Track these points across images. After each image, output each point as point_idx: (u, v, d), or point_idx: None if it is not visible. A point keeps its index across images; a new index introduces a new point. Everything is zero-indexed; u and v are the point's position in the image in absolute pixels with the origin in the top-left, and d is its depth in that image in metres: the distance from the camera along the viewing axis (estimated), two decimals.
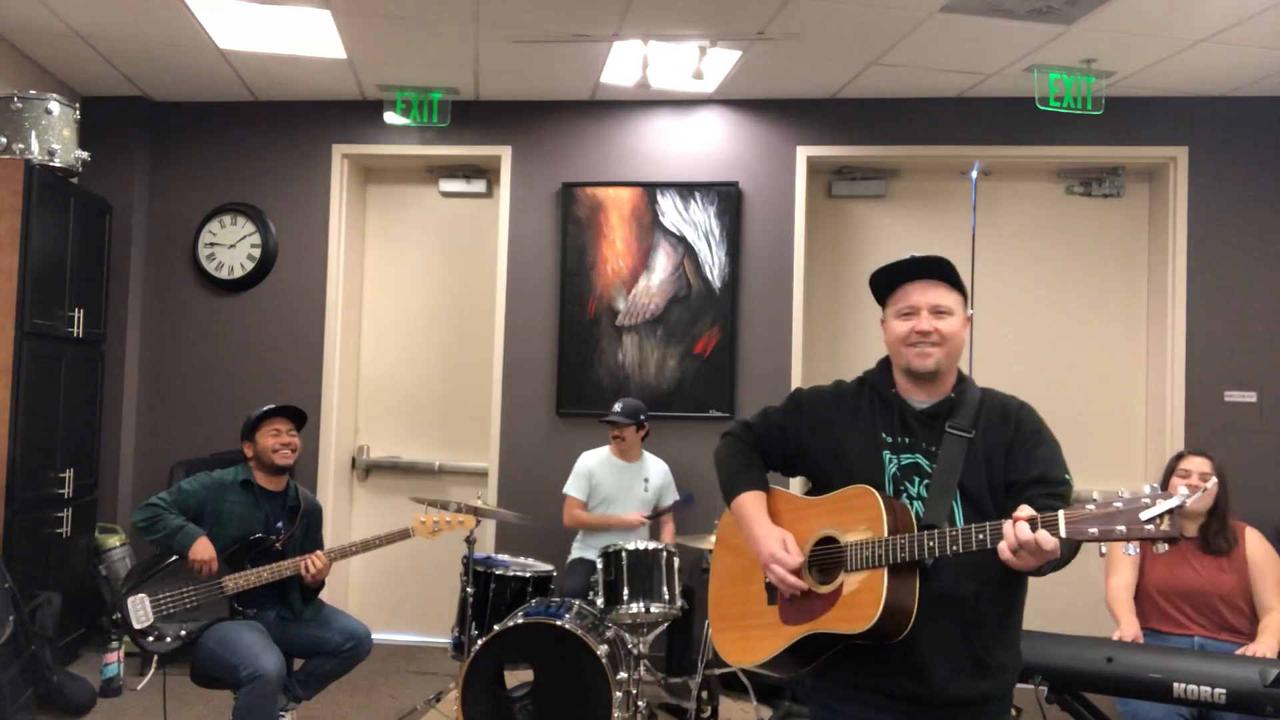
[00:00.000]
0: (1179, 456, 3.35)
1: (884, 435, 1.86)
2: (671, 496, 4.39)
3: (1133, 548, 1.50)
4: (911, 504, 1.78)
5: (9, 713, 3.53)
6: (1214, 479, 2.54)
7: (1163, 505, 1.44)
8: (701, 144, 4.89)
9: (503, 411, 4.93)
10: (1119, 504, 1.49)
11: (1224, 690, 2.14)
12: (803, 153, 4.82)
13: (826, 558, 1.79)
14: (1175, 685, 2.18)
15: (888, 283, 1.91)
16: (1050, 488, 1.74)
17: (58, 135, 4.27)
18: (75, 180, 4.50)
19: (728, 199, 4.80)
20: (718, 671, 3.84)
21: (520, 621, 3.27)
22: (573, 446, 4.56)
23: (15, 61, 4.53)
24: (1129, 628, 3.07)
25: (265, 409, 3.40)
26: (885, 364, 1.96)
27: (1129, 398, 4.84)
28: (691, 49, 4.19)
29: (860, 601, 1.69)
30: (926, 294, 1.85)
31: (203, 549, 3.13)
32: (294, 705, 3.35)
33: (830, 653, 1.79)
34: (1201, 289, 4.58)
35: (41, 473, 4.27)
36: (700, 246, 4.81)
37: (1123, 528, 1.47)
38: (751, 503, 1.93)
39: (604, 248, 4.86)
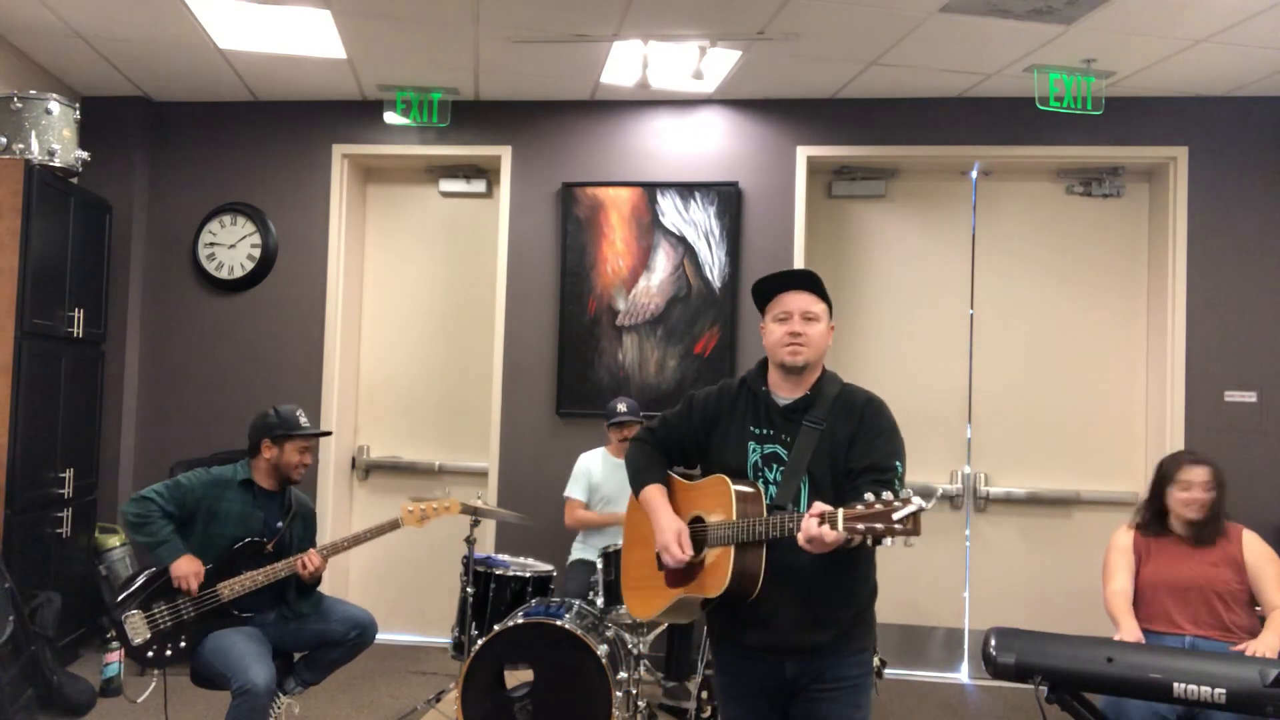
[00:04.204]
0: (1178, 464, 3.26)
1: (752, 428, 2.22)
2: None
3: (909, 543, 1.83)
4: (768, 488, 2.15)
5: (9, 713, 3.53)
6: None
7: (910, 508, 1.80)
8: (701, 144, 4.89)
9: (503, 411, 4.93)
10: (879, 505, 1.83)
11: (1224, 690, 2.14)
12: (803, 153, 4.82)
13: (696, 533, 2.20)
14: (1175, 685, 2.18)
15: (766, 292, 2.26)
16: (878, 474, 2.06)
17: (58, 135, 4.28)
18: (75, 180, 4.50)
19: (728, 199, 4.80)
20: None
21: (520, 621, 3.27)
22: (573, 446, 4.56)
23: (15, 61, 4.53)
24: (1129, 630, 3.08)
25: (308, 428, 3.35)
26: (762, 364, 2.30)
27: (1129, 398, 4.83)
28: (691, 49, 4.19)
29: (717, 572, 2.11)
30: (799, 301, 2.19)
31: (185, 565, 3.11)
32: (301, 689, 3.35)
33: (704, 609, 2.24)
34: (1201, 289, 4.58)
35: (41, 473, 4.27)
36: (700, 246, 4.81)
37: (880, 525, 1.81)
38: (655, 494, 2.30)
39: (604, 248, 4.86)
